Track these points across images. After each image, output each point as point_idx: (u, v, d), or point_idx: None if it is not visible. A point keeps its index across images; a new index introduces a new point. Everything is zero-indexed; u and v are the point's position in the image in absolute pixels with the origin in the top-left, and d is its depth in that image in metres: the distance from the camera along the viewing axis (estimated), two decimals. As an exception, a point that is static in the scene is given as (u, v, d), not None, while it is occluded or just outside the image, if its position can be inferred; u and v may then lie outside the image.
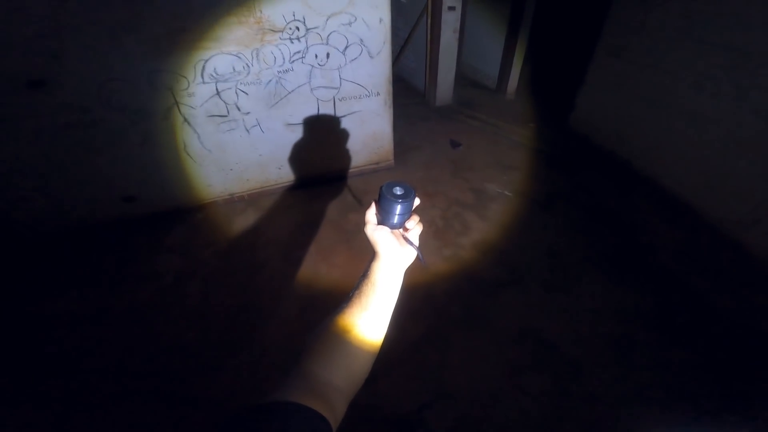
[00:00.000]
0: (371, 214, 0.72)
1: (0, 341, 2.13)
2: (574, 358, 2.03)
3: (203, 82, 2.53)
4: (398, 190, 0.70)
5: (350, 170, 3.46)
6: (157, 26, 2.26)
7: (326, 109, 3.01)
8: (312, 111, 2.98)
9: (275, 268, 2.58)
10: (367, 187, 3.33)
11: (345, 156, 3.35)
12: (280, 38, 2.55)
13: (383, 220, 0.71)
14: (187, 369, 2.00)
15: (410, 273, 0.75)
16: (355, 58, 2.84)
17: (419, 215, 0.76)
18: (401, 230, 0.73)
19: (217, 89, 2.60)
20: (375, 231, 0.69)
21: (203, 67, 2.48)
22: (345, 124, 3.14)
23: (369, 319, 0.63)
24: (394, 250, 0.69)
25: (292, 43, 2.60)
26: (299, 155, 3.16)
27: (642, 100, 3.37)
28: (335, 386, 0.56)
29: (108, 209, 2.86)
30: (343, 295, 0.68)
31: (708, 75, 2.79)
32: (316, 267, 2.59)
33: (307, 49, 2.66)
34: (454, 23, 4.41)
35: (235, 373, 1.98)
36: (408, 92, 5.36)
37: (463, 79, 5.51)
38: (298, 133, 3.05)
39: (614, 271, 2.54)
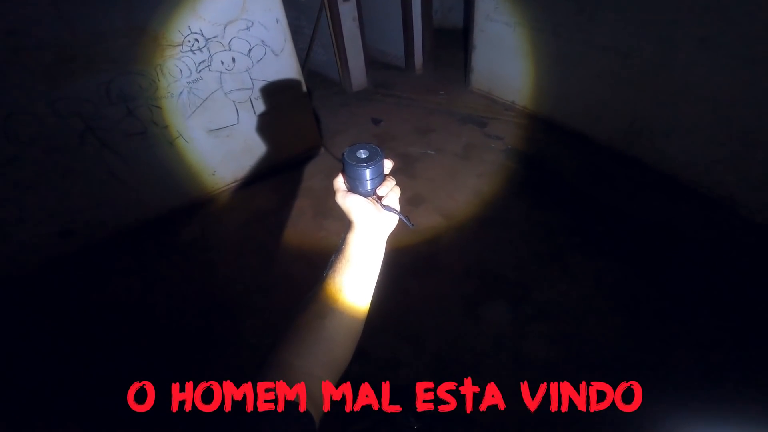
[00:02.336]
0: (339, 181, 0.64)
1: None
2: (520, 281, 2.39)
3: (111, 104, 2.58)
4: (362, 153, 0.62)
5: (283, 162, 3.61)
6: (46, 56, 2.28)
7: (245, 110, 3.15)
8: (231, 114, 3.11)
9: (229, 265, 2.73)
10: (305, 176, 3.53)
11: (275, 150, 3.50)
12: (181, 51, 2.66)
13: (353, 188, 0.63)
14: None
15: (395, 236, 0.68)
16: (261, 59, 3.00)
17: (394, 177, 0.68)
18: (375, 197, 0.64)
19: (128, 108, 2.66)
20: (346, 198, 0.61)
21: (107, 89, 2.53)
22: (267, 120, 3.29)
23: (347, 300, 0.57)
24: (371, 217, 0.60)
25: (195, 54, 2.71)
26: (230, 157, 3.28)
27: (519, 53, 3.86)
28: (314, 375, 0.52)
29: (43, 249, 2.81)
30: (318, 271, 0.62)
31: (563, 24, 3.31)
32: (274, 254, 2.78)
33: (211, 57, 2.79)
34: (352, 12, 4.66)
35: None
36: (325, 84, 5.56)
37: (374, 63, 5.78)
38: (222, 138, 3.16)
39: (535, 198, 2.97)
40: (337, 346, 0.56)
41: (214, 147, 3.18)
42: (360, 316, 0.59)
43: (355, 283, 0.58)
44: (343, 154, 0.62)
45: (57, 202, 2.71)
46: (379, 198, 0.64)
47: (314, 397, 0.49)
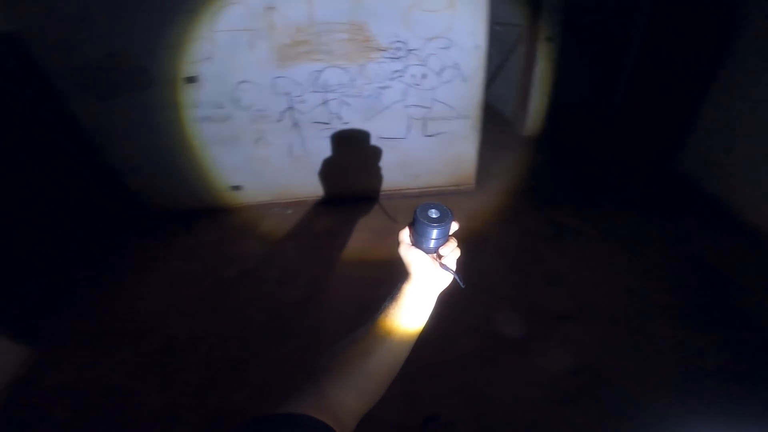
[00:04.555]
0: (405, 234, 0.68)
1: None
2: (630, 393, 1.91)
3: (314, 91, 2.92)
4: (434, 213, 0.64)
5: (430, 188, 3.59)
6: (284, 37, 2.68)
7: (416, 127, 3.23)
8: (403, 127, 3.22)
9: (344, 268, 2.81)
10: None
11: (427, 174, 3.51)
12: (383, 56, 2.85)
13: (417, 243, 0.66)
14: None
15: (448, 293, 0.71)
16: (449, 81, 3.03)
17: (457, 240, 0.71)
18: (436, 256, 0.67)
19: (325, 99, 2.97)
20: (409, 251, 0.65)
21: (316, 78, 2.87)
22: (432, 143, 3.31)
23: (391, 345, 0.61)
24: (429, 273, 0.64)
25: (393, 62, 2.88)
26: (386, 167, 3.41)
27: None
28: (348, 406, 0.56)
29: (217, 195, 3.37)
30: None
31: None
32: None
33: (406, 68, 2.93)
34: (550, 53, 4.44)
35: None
36: (495, 119, 5.42)
37: (558, 110, 5.42)
38: (389, 147, 3.30)
39: (694, 319, 2.31)
40: (374, 383, 0.60)
41: (377, 153, 3.33)
42: (401, 359, 0.64)
43: (403, 329, 0.62)
44: (415, 210, 0.64)
45: (241, 161, 3.21)
46: (440, 257, 0.67)
47: (344, 425, 0.53)
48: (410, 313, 0.64)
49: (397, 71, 2.93)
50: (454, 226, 0.67)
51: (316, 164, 3.31)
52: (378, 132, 3.20)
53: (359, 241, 3.07)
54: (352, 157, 3.34)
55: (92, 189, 3.27)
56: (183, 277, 2.82)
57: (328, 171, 3.36)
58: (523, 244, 3.02)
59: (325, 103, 2.99)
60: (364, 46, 2.80)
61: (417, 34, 2.81)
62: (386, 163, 3.38)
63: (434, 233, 0.64)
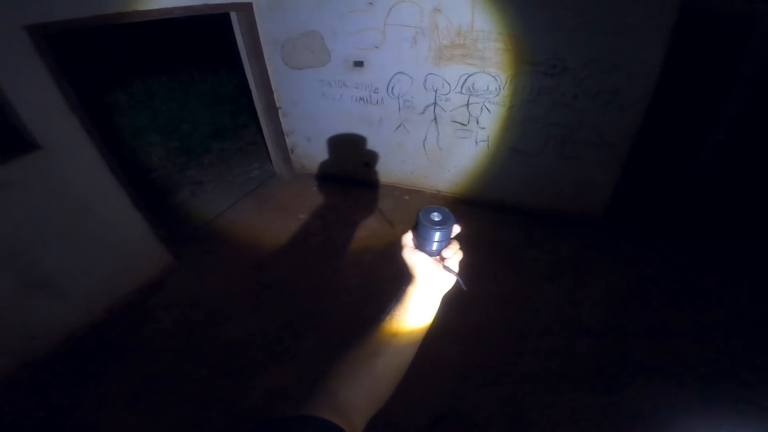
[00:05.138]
0: (408, 238, 0.70)
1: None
2: None
3: (460, 92, 3.10)
4: (436, 216, 0.66)
5: (550, 210, 3.46)
6: (444, 38, 2.92)
7: (553, 146, 3.15)
8: (539, 143, 3.17)
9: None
10: (562, 237, 3.28)
11: (551, 194, 3.39)
12: (536, 71, 2.86)
13: (420, 246, 0.68)
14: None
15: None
16: (605, 106, 2.87)
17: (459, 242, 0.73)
18: (439, 257, 0.69)
19: (468, 101, 3.13)
20: (412, 254, 0.67)
21: (465, 81, 3.04)
22: (566, 164, 3.19)
23: (398, 345, 0.63)
24: (432, 275, 0.67)
25: (545, 77, 2.87)
26: (508, 179, 3.41)
27: None
28: (356, 407, 0.58)
29: (350, 168, 3.83)
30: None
31: None
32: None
33: (557, 86, 2.88)
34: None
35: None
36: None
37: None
38: (518, 160, 3.29)
39: None
40: (382, 384, 0.62)
41: (505, 163, 3.36)
42: (408, 360, 0.65)
43: (408, 331, 0.64)
44: (418, 213, 0.65)
45: (379, 142, 3.59)
46: (443, 259, 0.68)
47: (353, 425, 0.55)
48: (415, 314, 0.66)
49: (546, 87, 2.91)
50: (456, 229, 0.68)
51: (443, 160, 3.50)
52: (512, 143, 3.22)
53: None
54: (478, 162, 3.42)
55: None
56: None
57: (452, 169, 3.52)
58: (631, 292, 2.70)
59: (467, 105, 3.15)
60: (518, 58, 2.87)
61: (577, 53, 2.75)
62: (512, 175, 3.38)
63: (437, 236, 0.66)
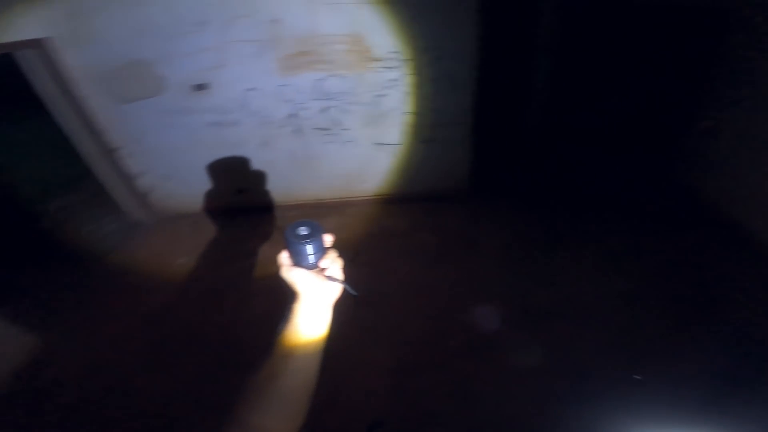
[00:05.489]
0: (284, 257, 0.70)
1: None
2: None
3: (316, 99, 3.13)
4: (303, 231, 0.67)
5: (425, 192, 3.71)
6: (288, 48, 2.91)
7: (411, 134, 3.40)
8: (399, 134, 3.40)
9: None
10: (441, 213, 3.59)
11: (424, 179, 3.66)
12: (380, 66, 3.06)
13: (297, 262, 0.69)
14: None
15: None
16: (444, 90, 3.22)
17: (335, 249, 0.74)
18: (318, 269, 0.70)
19: (325, 106, 3.18)
20: (290, 272, 0.68)
21: (318, 86, 3.08)
22: (427, 149, 3.48)
23: (296, 363, 0.64)
24: (315, 288, 0.68)
25: (389, 71, 3.09)
26: (381, 172, 3.58)
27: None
28: (271, 430, 0.59)
29: (223, 198, 3.56)
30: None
31: None
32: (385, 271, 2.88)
33: (402, 77, 3.13)
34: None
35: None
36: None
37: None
38: (385, 152, 3.47)
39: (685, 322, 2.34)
40: (290, 404, 0.62)
41: (375, 159, 3.51)
42: (312, 374, 0.66)
43: (303, 346, 0.65)
44: (285, 232, 0.67)
45: (248, 164, 3.40)
46: (322, 270, 0.70)
47: None
48: (306, 329, 0.66)
49: (392, 80, 3.13)
50: (328, 238, 0.70)
51: (317, 168, 3.49)
52: (375, 138, 3.38)
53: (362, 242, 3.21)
54: (350, 162, 3.51)
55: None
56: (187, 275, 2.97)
57: (328, 175, 3.54)
58: (515, 247, 3.10)
59: (326, 110, 3.20)
60: (362, 57, 3.02)
61: (411, 44, 3.02)
62: (385, 168, 3.55)
63: (309, 249, 0.67)
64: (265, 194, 3.61)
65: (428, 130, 3.38)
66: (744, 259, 2.71)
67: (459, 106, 3.30)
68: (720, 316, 2.34)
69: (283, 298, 0.69)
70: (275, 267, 0.70)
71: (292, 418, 0.62)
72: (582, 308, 2.48)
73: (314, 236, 0.67)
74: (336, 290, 0.71)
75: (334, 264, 0.71)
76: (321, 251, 0.69)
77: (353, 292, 0.71)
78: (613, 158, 4.17)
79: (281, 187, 3.61)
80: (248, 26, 2.81)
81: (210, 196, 3.59)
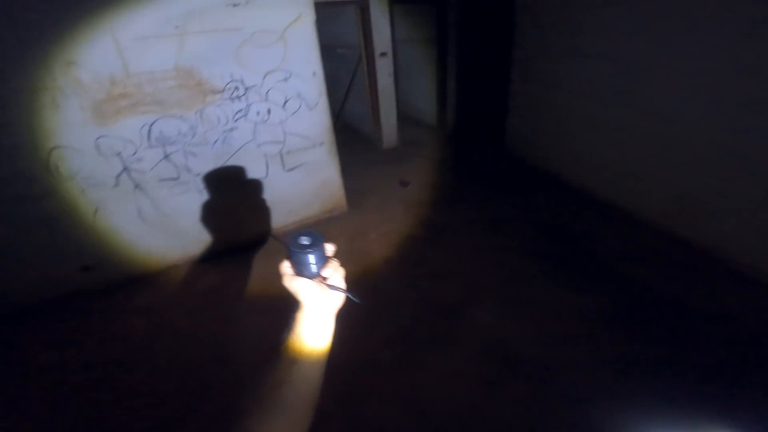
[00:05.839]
0: (285, 266, 0.71)
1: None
2: (543, 362, 2.17)
3: (151, 146, 2.67)
4: (305, 240, 0.69)
5: (306, 220, 3.57)
6: (97, 93, 2.41)
7: (275, 164, 3.19)
8: (261, 167, 3.15)
9: (248, 322, 2.62)
10: (327, 235, 3.44)
11: (300, 208, 3.50)
12: (222, 98, 2.77)
13: (299, 272, 0.70)
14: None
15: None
16: (295, 112, 3.09)
17: (340, 260, 0.75)
18: (320, 278, 0.71)
19: (165, 152, 2.74)
20: (293, 281, 0.69)
21: (149, 131, 2.63)
22: (294, 176, 3.31)
23: (299, 372, 0.64)
24: (317, 297, 0.68)
25: (233, 102, 2.82)
26: (256, 211, 3.29)
27: (557, 117, 3.84)
28: None
29: (65, 281, 2.83)
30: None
31: (602, 85, 3.29)
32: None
33: (249, 107, 2.89)
34: (388, 67, 4.84)
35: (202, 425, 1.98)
36: (357, 139, 5.69)
37: (407, 119, 5.94)
38: (250, 190, 3.19)
39: (568, 278, 2.75)
40: (295, 414, 0.62)
41: (241, 199, 3.21)
42: (314, 385, 0.66)
43: (306, 355, 0.66)
44: (287, 242, 0.69)
45: (82, 237, 2.75)
46: (324, 279, 0.71)
47: None
48: (309, 338, 0.67)
49: (239, 111, 2.87)
50: (330, 248, 0.72)
51: (176, 224, 3.02)
52: (234, 176, 3.07)
53: (255, 287, 2.91)
54: (213, 209, 3.12)
55: None
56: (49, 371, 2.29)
57: (192, 228, 3.10)
58: (405, 249, 3.21)
59: (167, 157, 2.76)
60: (198, 91, 2.68)
61: (252, 70, 2.80)
62: (256, 205, 3.27)
63: (311, 258, 0.68)
64: (121, 268, 2.97)
65: (292, 156, 3.21)
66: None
67: (315, 127, 3.20)
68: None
69: (286, 308, 0.69)
70: (277, 277, 0.70)
71: (296, 427, 0.61)
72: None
73: (316, 245, 0.68)
74: (339, 299, 0.72)
75: (336, 273, 0.72)
76: (323, 260, 0.70)
77: (356, 300, 0.71)
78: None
79: (140, 255, 3.00)
80: (32, 73, 2.23)
81: (46, 283, 2.77)
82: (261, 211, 3.30)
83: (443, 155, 4.96)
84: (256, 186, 3.19)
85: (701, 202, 2.80)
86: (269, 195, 3.27)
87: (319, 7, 3.01)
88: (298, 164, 3.27)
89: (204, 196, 3.02)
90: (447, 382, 2.11)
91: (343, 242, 3.34)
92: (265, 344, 2.24)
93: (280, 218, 3.43)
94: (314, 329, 0.68)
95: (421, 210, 3.76)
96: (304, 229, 0.71)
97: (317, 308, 0.69)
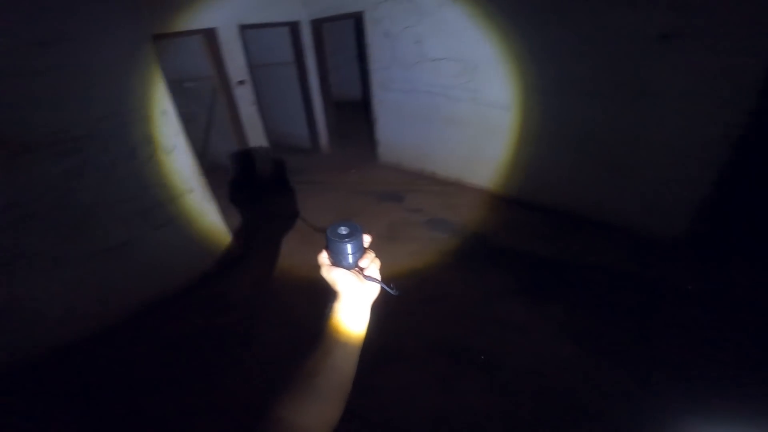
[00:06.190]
0: (324, 257, 0.71)
1: None
2: (486, 347, 2.24)
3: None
4: (343, 230, 0.68)
5: (199, 277, 3.03)
6: None
7: (138, 226, 2.63)
8: (123, 231, 2.56)
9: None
10: (229, 288, 3.01)
11: (183, 266, 2.97)
12: (48, 154, 2.16)
13: (336, 262, 0.69)
14: None
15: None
16: (150, 158, 2.60)
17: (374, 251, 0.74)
18: (357, 269, 0.71)
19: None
20: (331, 271, 0.68)
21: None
22: (168, 232, 2.79)
23: (335, 361, 0.63)
24: (355, 287, 0.68)
25: (65, 158, 2.22)
26: (126, 282, 2.66)
27: (421, 120, 4.12)
28: (308, 429, 0.57)
29: None
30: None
31: (448, 86, 3.69)
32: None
33: (86, 161, 2.31)
34: (249, 95, 4.54)
35: None
36: (228, 178, 5.17)
37: (280, 146, 5.64)
38: (113, 260, 2.56)
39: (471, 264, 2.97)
40: (327, 403, 0.61)
41: (105, 272, 2.56)
42: (349, 373, 0.65)
43: (341, 345, 0.65)
44: (325, 231, 0.68)
45: None
46: (361, 269, 0.71)
47: None
48: (345, 328, 0.66)
49: (74, 168, 2.28)
50: (367, 239, 0.71)
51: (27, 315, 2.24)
52: (98, 244, 2.45)
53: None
54: (77, 289, 2.43)
55: None
56: None
57: (54, 315, 2.34)
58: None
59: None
60: (9, 150, 2.04)
61: (82, 115, 2.26)
62: (124, 277, 2.64)
63: (348, 248, 0.67)
64: None
65: (157, 211, 2.70)
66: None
67: (181, 172, 2.78)
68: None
69: (324, 297, 0.69)
70: (315, 267, 0.70)
71: (328, 418, 0.61)
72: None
73: (354, 236, 0.68)
74: (374, 290, 0.71)
75: (372, 264, 0.72)
76: (360, 251, 0.70)
77: (392, 292, 0.71)
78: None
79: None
80: None
81: None
82: (134, 280, 2.70)
83: (323, 175, 4.84)
84: (127, 254, 2.61)
85: (548, 172, 3.38)
86: (140, 260, 2.69)
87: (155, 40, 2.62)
88: (169, 219, 2.77)
89: (52, 275, 2.33)
90: (404, 392, 2.02)
91: (248, 289, 2.97)
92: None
93: (164, 283, 2.86)
94: (351, 320, 0.67)
95: (320, 236, 3.56)
96: (343, 219, 0.71)
97: (354, 298, 0.68)
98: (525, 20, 2.99)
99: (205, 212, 3.01)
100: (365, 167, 4.90)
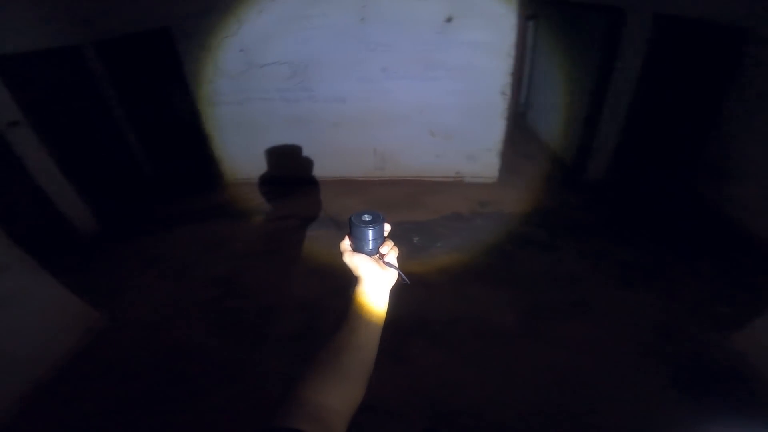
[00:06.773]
0: (346, 243, 0.74)
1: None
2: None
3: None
4: (366, 217, 0.72)
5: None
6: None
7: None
8: None
9: None
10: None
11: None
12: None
13: (358, 247, 0.73)
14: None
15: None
16: None
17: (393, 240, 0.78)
18: (378, 256, 0.74)
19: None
20: (353, 257, 0.72)
21: None
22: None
23: (357, 342, 0.66)
24: (375, 273, 0.71)
25: None
26: None
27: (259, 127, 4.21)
28: (332, 409, 0.57)
29: None
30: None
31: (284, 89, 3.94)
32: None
33: None
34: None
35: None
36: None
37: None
38: None
39: None
40: (350, 383, 0.63)
41: None
42: (371, 354, 0.69)
43: (364, 327, 0.68)
44: (350, 218, 0.72)
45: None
46: (382, 256, 0.75)
47: (331, 429, 0.55)
48: (368, 310, 0.69)
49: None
50: (387, 227, 0.74)
51: None
52: None
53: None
54: None
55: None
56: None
57: None
58: None
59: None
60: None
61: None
62: None
63: (370, 234, 0.71)
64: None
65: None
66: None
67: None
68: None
69: (347, 280, 0.72)
70: (338, 252, 0.73)
71: (351, 397, 0.62)
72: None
73: (376, 222, 0.71)
74: (393, 277, 0.74)
75: (392, 252, 0.75)
76: (381, 238, 0.73)
77: (406, 280, 0.74)
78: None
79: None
80: None
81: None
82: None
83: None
84: None
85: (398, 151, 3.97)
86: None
87: None
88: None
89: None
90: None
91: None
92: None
93: None
94: (373, 304, 0.71)
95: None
96: (364, 209, 0.74)
97: (375, 283, 0.71)
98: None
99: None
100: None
